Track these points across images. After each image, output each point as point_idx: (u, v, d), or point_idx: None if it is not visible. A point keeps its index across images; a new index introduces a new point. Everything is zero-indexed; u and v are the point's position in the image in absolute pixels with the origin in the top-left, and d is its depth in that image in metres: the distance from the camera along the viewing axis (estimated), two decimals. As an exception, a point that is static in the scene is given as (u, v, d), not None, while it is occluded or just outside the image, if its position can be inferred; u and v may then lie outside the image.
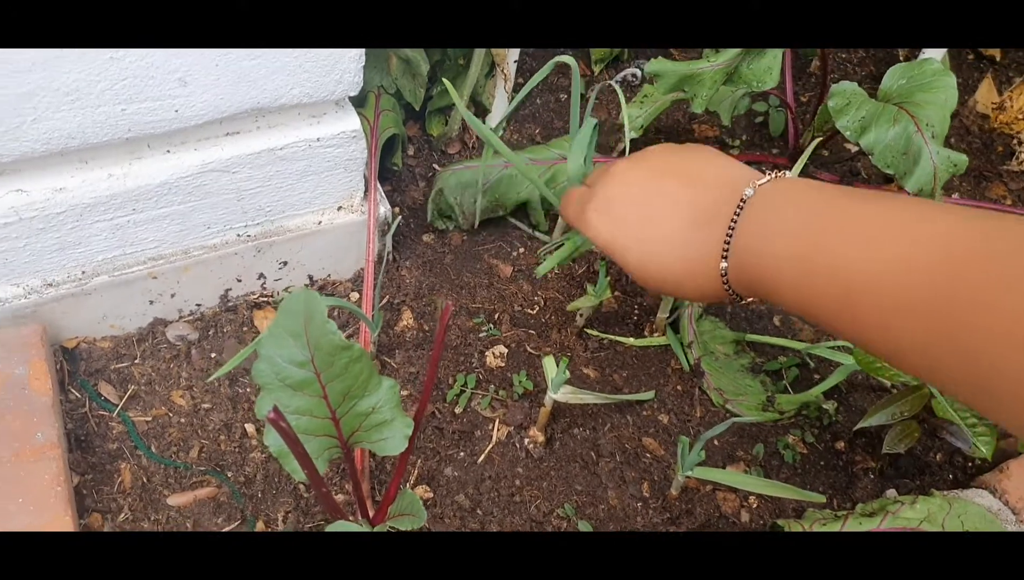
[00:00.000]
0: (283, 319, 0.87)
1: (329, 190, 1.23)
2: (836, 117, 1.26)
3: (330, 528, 0.86)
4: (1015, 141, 1.70)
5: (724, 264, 0.73)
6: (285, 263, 1.27)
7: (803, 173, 1.58)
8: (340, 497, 1.13)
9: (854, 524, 1.11)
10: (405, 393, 1.23)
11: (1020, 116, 1.61)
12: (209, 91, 1.02)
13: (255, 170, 1.14)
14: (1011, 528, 1.15)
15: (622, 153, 1.51)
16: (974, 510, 1.16)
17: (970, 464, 1.28)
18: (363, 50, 1.08)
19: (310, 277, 1.31)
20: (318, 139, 1.15)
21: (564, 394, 1.15)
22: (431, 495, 1.15)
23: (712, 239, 0.74)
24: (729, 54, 1.28)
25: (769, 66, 1.29)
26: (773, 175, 0.75)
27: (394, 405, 0.93)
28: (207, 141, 1.11)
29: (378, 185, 1.28)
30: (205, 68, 1.00)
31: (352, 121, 1.16)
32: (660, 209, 0.80)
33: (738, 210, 0.72)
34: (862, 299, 0.59)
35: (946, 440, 1.18)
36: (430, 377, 0.92)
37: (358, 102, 1.37)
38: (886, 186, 1.56)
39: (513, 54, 1.43)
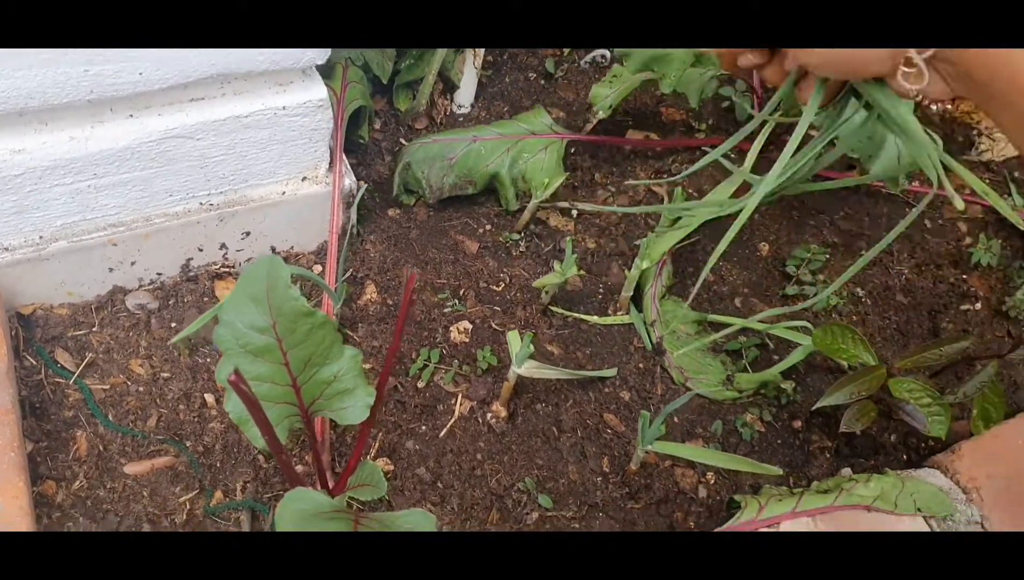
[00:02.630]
0: (245, 284, 0.87)
1: (294, 160, 1.21)
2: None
3: (289, 495, 0.86)
4: (975, 132, 1.73)
5: None
6: (248, 233, 1.25)
7: (765, 160, 1.60)
8: (300, 468, 1.13)
9: (809, 501, 1.13)
10: (368, 366, 1.23)
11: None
12: (174, 55, 1.01)
13: (220, 137, 1.13)
14: (961, 507, 1.18)
15: (592, 132, 1.51)
16: (926, 489, 1.18)
17: (923, 445, 1.30)
18: (331, 18, 1.07)
19: (273, 248, 1.30)
20: (284, 107, 1.14)
21: (528, 369, 1.15)
22: (392, 468, 1.15)
23: None
24: (698, 35, 1.29)
25: (737, 48, 1.30)
26: None
27: (356, 374, 0.93)
28: (172, 106, 1.09)
29: (343, 157, 1.27)
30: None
31: (319, 90, 1.16)
32: None
33: None
34: None
35: (902, 420, 1.20)
36: (393, 346, 0.92)
37: (325, 73, 1.36)
38: (848, 173, 1.58)
39: (483, 30, 1.43)
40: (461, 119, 1.53)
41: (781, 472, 1.14)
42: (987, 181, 1.65)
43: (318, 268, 1.31)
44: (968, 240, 1.55)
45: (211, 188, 1.19)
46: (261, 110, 1.13)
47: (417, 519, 0.88)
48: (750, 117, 1.63)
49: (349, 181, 1.27)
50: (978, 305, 1.47)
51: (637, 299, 1.36)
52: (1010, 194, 1.62)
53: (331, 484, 1.07)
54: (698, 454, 1.12)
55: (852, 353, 1.19)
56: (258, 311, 0.87)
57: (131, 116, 1.07)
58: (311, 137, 1.20)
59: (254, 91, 1.12)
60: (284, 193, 1.24)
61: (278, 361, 0.89)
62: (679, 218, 1.33)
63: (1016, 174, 1.67)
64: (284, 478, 1.10)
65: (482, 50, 1.45)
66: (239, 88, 1.12)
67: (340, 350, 0.91)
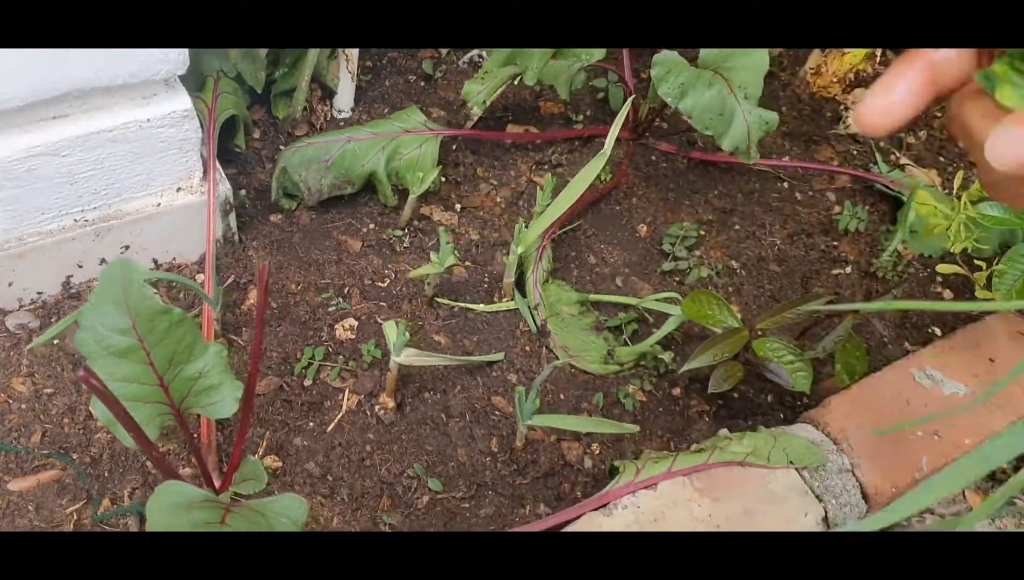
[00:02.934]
0: (103, 288, 0.89)
1: (166, 171, 1.23)
2: (658, 84, 1.34)
3: (159, 489, 0.87)
4: (842, 107, 1.81)
5: None
6: (127, 247, 1.27)
7: (642, 146, 1.66)
8: (188, 471, 1.15)
9: (684, 461, 1.18)
10: (254, 368, 1.25)
11: (834, 80, 1.72)
12: (22, 73, 1.02)
13: (86, 153, 1.15)
14: (833, 457, 1.24)
15: (476, 125, 1.55)
16: (798, 442, 1.24)
17: (798, 403, 1.36)
18: (185, 28, 1.10)
19: (155, 261, 1.31)
20: (148, 120, 1.16)
21: (407, 357, 1.19)
22: (280, 465, 1.18)
23: None
24: (556, 27, 1.34)
25: (595, 38, 1.35)
26: None
27: (222, 369, 0.95)
28: (34, 124, 1.11)
29: (218, 165, 1.30)
30: (14, 50, 1.00)
31: (183, 100, 1.18)
32: None
33: None
34: None
35: (769, 379, 1.26)
36: (257, 339, 0.95)
37: (198, 86, 1.38)
38: (720, 154, 1.65)
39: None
40: (342, 123, 1.56)
41: (636, 429, 1.19)
42: (854, 151, 1.74)
43: (201, 277, 1.33)
44: (837, 209, 1.62)
45: (84, 204, 1.20)
46: (126, 124, 1.15)
47: (287, 503, 0.91)
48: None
49: (224, 189, 1.29)
50: (848, 269, 1.54)
51: (521, 285, 1.41)
52: (875, 162, 1.70)
53: (217, 483, 1.09)
54: (567, 422, 1.17)
55: (718, 318, 1.25)
56: (117, 313, 0.89)
57: (-8, 136, 1.08)
58: (181, 147, 1.22)
59: (117, 105, 1.14)
60: (159, 205, 1.26)
61: (142, 361, 0.91)
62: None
63: (881, 144, 1.76)
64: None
65: (355, 55, 1.48)
66: (101, 103, 1.14)
67: (204, 347, 0.94)
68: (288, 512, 0.90)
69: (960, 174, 1.39)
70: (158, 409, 0.94)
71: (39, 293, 1.25)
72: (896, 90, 0.44)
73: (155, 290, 1.24)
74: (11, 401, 1.16)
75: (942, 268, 1.15)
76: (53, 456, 1.12)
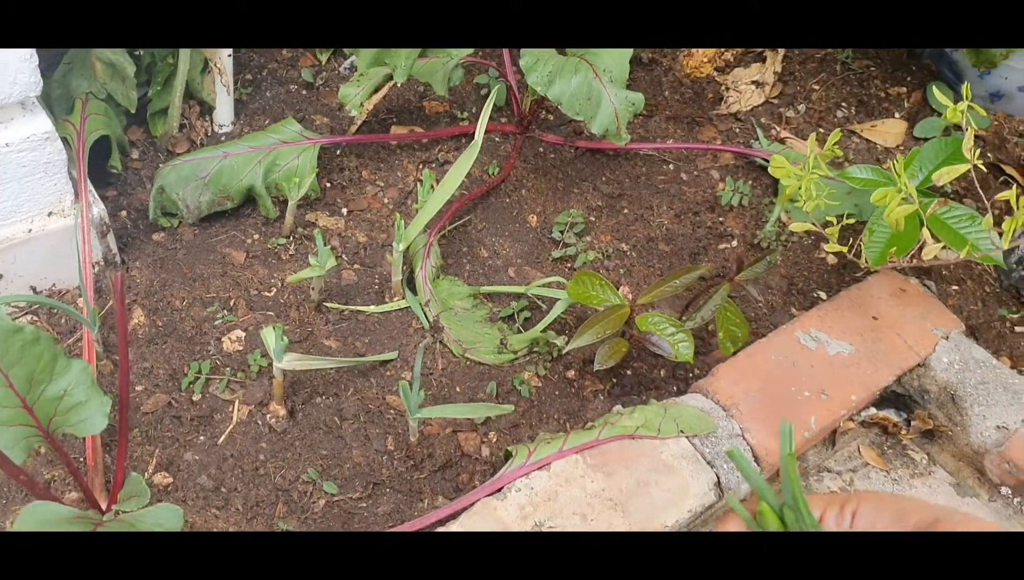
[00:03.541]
0: (-49, 312, 0.87)
1: (34, 196, 1.22)
2: (527, 74, 1.36)
3: (26, 509, 0.86)
4: (723, 88, 1.86)
5: None
6: (1, 276, 1.25)
7: (529, 138, 1.68)
8: (75, 495, 1.13)
9: (575, 438, 1.20)
10: (141, 387, 1.23)
11: (705, 60, 1.77)
12: None
13: (-57, 182, 1.13)
14: (723, 423, 1.27)
15: (360, 130, 1.56)
16: (688, 412, 1.27)
17: (691, 375, 1.39)
18: (33, 50, 1.09)
19: (33, 288, 1.29)
20: (7, 144, 1.15)
21: (289, 362, 1.18)
22: (171, 480, 1.16)
23: None
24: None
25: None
26: None
27: (88, 386, 0.94)
28: None
29: (90, 187, 1.28)
30: None
31: (42, 123, 1.16)
32: None
33: None
34: None
35: (654, 353, 1.28)
36: (122, 348, 0.94)
37: (68, 110, 1.37)
38: (606, 141, 1.68)
39: (226, 49, 1.46)
40: (223, 138, 1.55)
41: (511, 409, 1.20)
42: (736, 129, 1.78)
43: (82, 301, 1.31)
44: (721, 186, 1.66)
45: (-52, 235, 1.18)
46: (-18, 149, 1.13)
47: (162, 513, 0.90)
48: (509, 101, 1.71)
49: (99, 210, 1.28)
50: (734, 242, 1.58)
51: (412, 284, 1.41)
52: (757, 138, 1.75)
53: (104, 505, 1.08)
54: (449, 410, 1.18)
55: (601, 297, 1.27)
56: (-31, 336, 0.87)
57: None
58: (46, 170, 1.20)
59: (-29, 131, 1.13)
60: (31, 230, 1.24)
61: (2, 383, 0.90)
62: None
63: (763, 120, 1.80)
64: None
65: (229, 68, 1.48)
66: (-46, 130, 1.12)
67: (67, 364, 0.93)
68: (163, 522, 0.90)
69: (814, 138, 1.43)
70: (24, 431, 0.93)
71: (-90, 331, 1.21)
72: None
73: (35, 318, 1.23)
74: None
75: (795, 226, 1.19)
76: (-69, 494, 1.10)
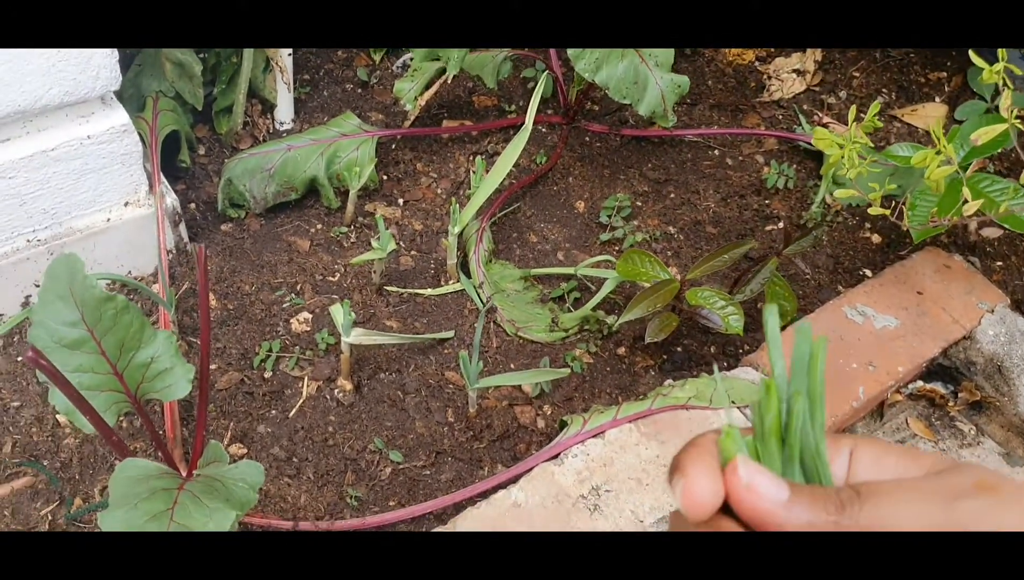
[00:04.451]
0: (49, 284, 0.94)
1: (112, 187, 1.29)
2: (575, 61, 1.41)
3: (119, 466, 0.92)
4: (765, 76, 1.89)
5: None
6: (82, 264, 1.32)
7: (575, 129, 1.73)
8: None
9: (628, 409, 1.24)
10: (214, 366, 1.30)
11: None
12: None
13: (31, 173, 1.20)
14: (773, 395, 1.30)
15: (414, 124, 1.62)
16: (740, 384, 1.30)
17: (740, 350, 1.43)
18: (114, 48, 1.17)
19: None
20: (88, 136, 1.22)
21: (356, 337, 1.24)
22: (246, 451, 1.23)
23: None
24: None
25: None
26: None
27: (172, 354, 1.00)
28: (-20, 151, 1.17)
29: (163, 178, 1.36)
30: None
31: (120, 116, 1.24)
32: None
33: None
34: None
35: (705, 327, 1.32)
36: (204, 313, 1.00)
37: (139, 108, 1.45)
38: (651, 129, 1.72)
39: (287, 49, 1.53)
40: (284, 134, 1.63)
41: (568, 372, 1.25)
42: (779, 116, 1.81)
43: (157, 287, 1.38)
44: (766, 169, 1.70)
45: (35, 224, 1.26)
46: (67, 141, 1.21)
47: (245, 469, 0.96)
48: (555, 93, 1.76)
49: (171, 200, 1.35)
50: (780, 224, 1.61)
51: (466, 268, 1.47)
52: (799, 125, 1.78)
53: (184, 471, 1.14)
54: (509, 378, 1.23)
55: (651, 274, 1.31)
56: (65, 307, 0.94)
57: (-61, 164, 1.14)
58: (124, 162, 1.28)
59: (56, 125, 1.20)
60: (109, 220, 1.31)
61: (94, 350, 0.97)
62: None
63: (805, 107, 1.83)
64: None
65: (289, 67, 1.55)
66: (41, 124, 1.20)
67: (153, 333, 0.99)
68: (245, 477, 0.95)
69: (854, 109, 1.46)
70: (114, 397, 1.00)
71: (0, 313, 1.30)
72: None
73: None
74: (-20, 417, 1.20)
75: (840, 193, 1.21)
76: (24, 464, 1.17)
